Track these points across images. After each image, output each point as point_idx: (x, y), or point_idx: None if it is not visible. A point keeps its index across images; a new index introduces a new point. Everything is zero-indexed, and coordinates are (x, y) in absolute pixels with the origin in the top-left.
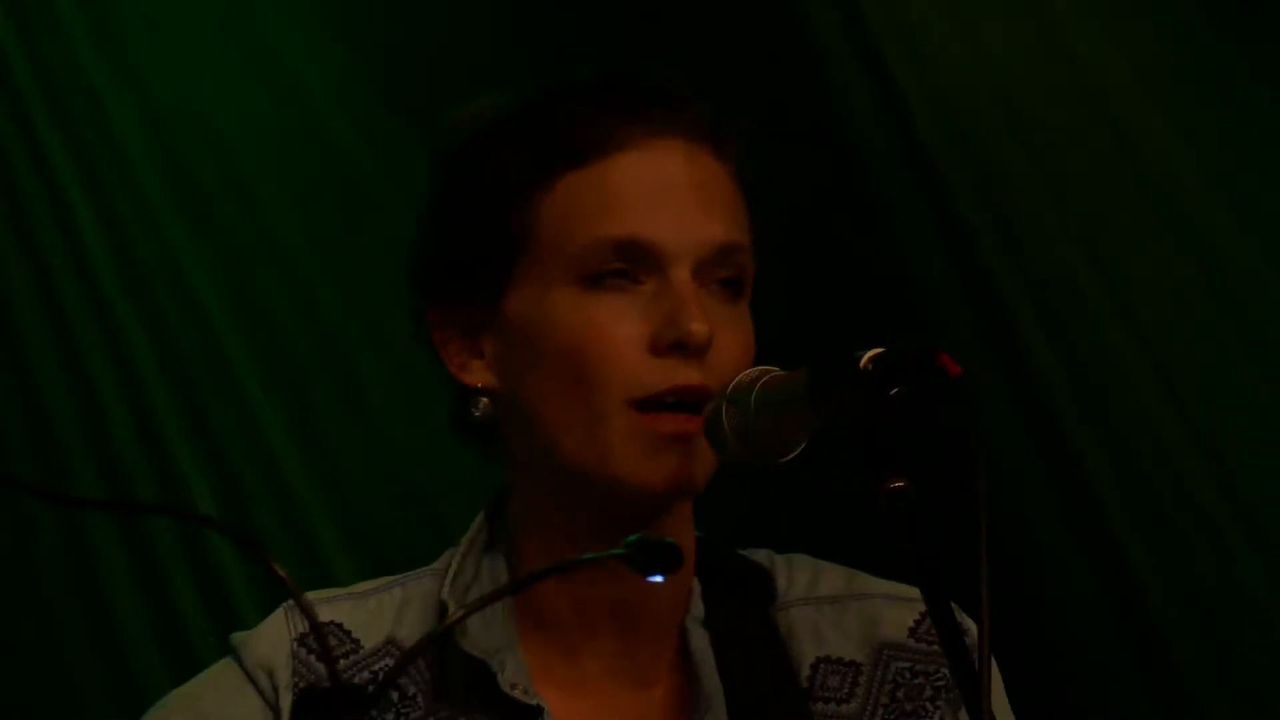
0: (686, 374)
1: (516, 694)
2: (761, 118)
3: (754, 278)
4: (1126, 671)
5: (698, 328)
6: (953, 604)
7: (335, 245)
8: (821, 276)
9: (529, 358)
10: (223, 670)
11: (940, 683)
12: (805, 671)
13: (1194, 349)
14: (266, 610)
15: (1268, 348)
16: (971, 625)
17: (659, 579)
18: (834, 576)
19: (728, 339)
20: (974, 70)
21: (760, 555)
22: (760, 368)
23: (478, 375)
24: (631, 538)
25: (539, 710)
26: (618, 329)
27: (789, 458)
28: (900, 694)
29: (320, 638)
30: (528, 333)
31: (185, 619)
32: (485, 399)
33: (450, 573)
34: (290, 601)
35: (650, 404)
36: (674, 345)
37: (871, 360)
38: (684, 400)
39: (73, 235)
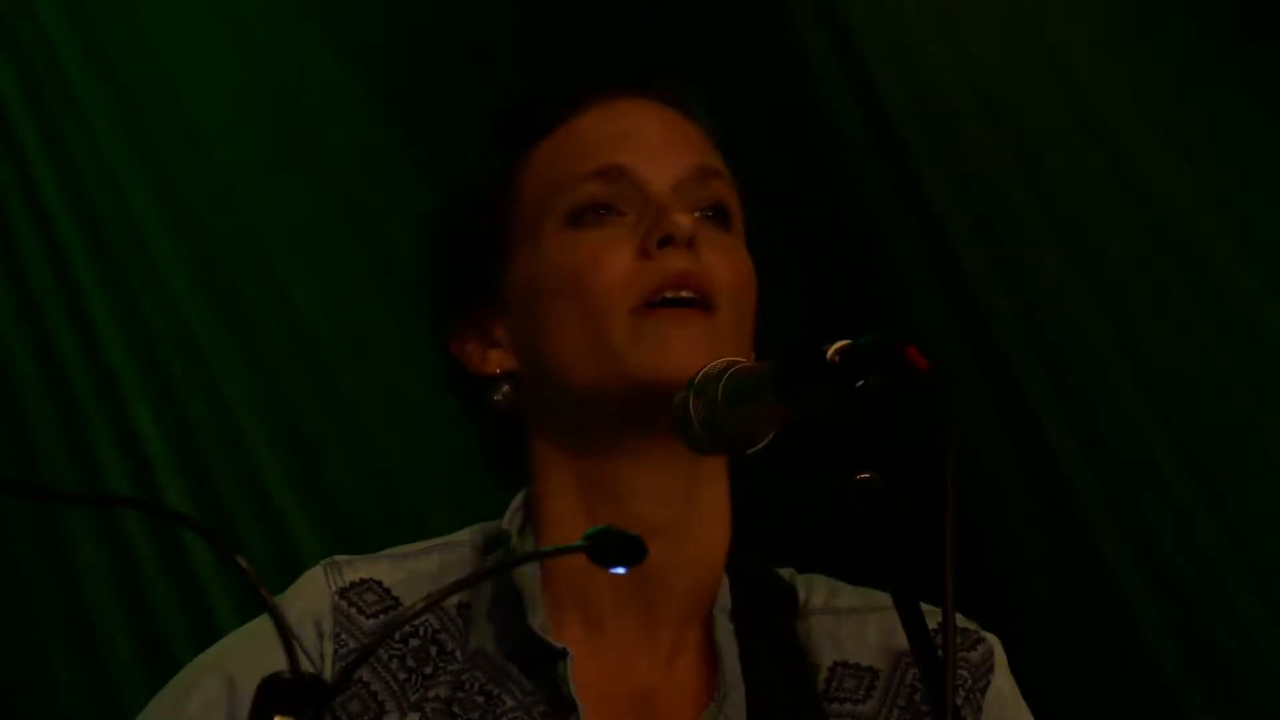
0: (679, 262)
1: (544, 634)
2: (743, 118)
3: (743, 217)
4: (1104, 667)
5: (681, 219)
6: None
7: (311, 238)
8: (799, 272)
9: (534, 309)
10: (258, 626)
11: (959, 685)
12: (823, 674)
13: (1183, 360)
14: (241, 604)
15: (1257, 360)
16: (991, 637)
17: (621, 571)
18: (851, 593)
19: (718, 257)
20: (965, 86)
21: (784, 573)
22: (727, 359)
23: (496, 362)
24: (592, 530)
25: (563, 652)
26: (607, 251)
27: (756, 449)
28: (918, 698)
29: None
30: (528, 288)
31: (159, 613)
32: (506, 384)
33: (509, 513)
34: (330, 559)
35: (650, 304)
36: (662, 242)
37: (838, 352)
38: (682, 294)
39: (48, 229)
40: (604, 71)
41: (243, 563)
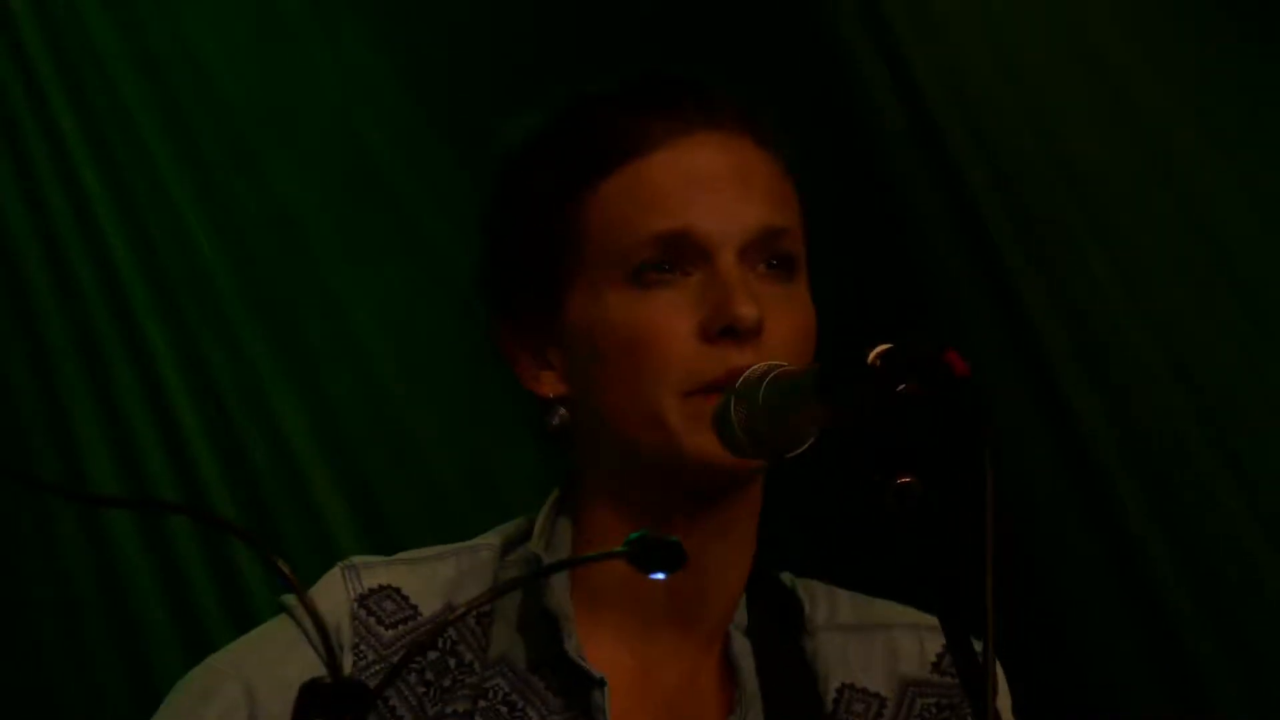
0: (739, 357)
1: (581, 661)
2: (784, 114)
3: (807, 258)
4: (1141, 666)
5: (746, 311)
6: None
7: (357, 237)
8: (841, 273)
9: (590, 361)
10: (275, 629)
11: (966, 714)
12: (831, 695)
13: (1215, 347)
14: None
15: None
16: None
17: (660, 577)
18: (848, 602)
19: (780, 320)
20: (997, 70)
21: (784, 577)
22: (768, 363)
23: (549, 386)
24: (634, 535)
25: (601, 682)
26: (668, 323)
27: (796, 453)
28: None
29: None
30: (586, 337)
31: (204, 615)
32: (563, 409)
33: (537, 530)
34: (347, 561)
35: (706, 391)
36: (724, 331)
37: (879, 356)
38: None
39: (98, 241)
40: (675, 90)
41: (284, 567)
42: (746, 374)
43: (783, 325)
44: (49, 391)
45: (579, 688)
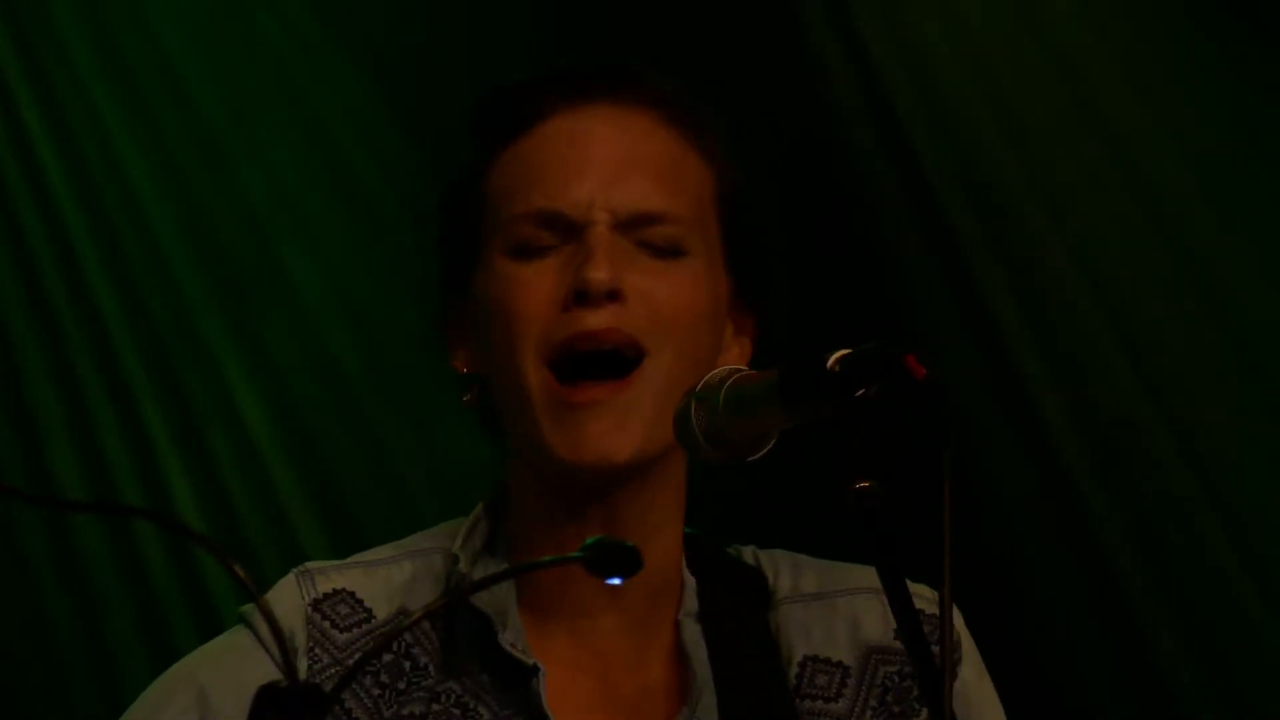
0: (593, 320)
1: (516, 652)
2: (748, 116)
3: (719, 237)
4: (1107, 663)
5: (595, 275)
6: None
7: (319, 229)
8: (806, 278)
9: (482, 332)
10: (233, 638)
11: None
12: (794, 669)
13: (1179, 348)
14: (244, 600)
15: (1249, 345)
16: (959, 626)
17: (617, 582)
18: (813, 570)
19: (653, 288)
20: (963, 68)
21: (746, 553)
22: (729, 367)
23: (461, 361)
24: (590, 540)
25: (535, 669)
26: (532, 292)
27: (756, 457)
28: (889, 698)
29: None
30: (481, 311)
31: (167, 610)
32: (475, 385)
33: (460, 535)
34: (301, 567)
35: (564, 366)
36: (579, 296)
37: (838, 361)
38: (592, 349)
39: (55, 220)
40: (586, 68)
41: (240, 572)
42: (707, 377)
43: (655, 295)
44: (15, 397)
45: (520, 679)
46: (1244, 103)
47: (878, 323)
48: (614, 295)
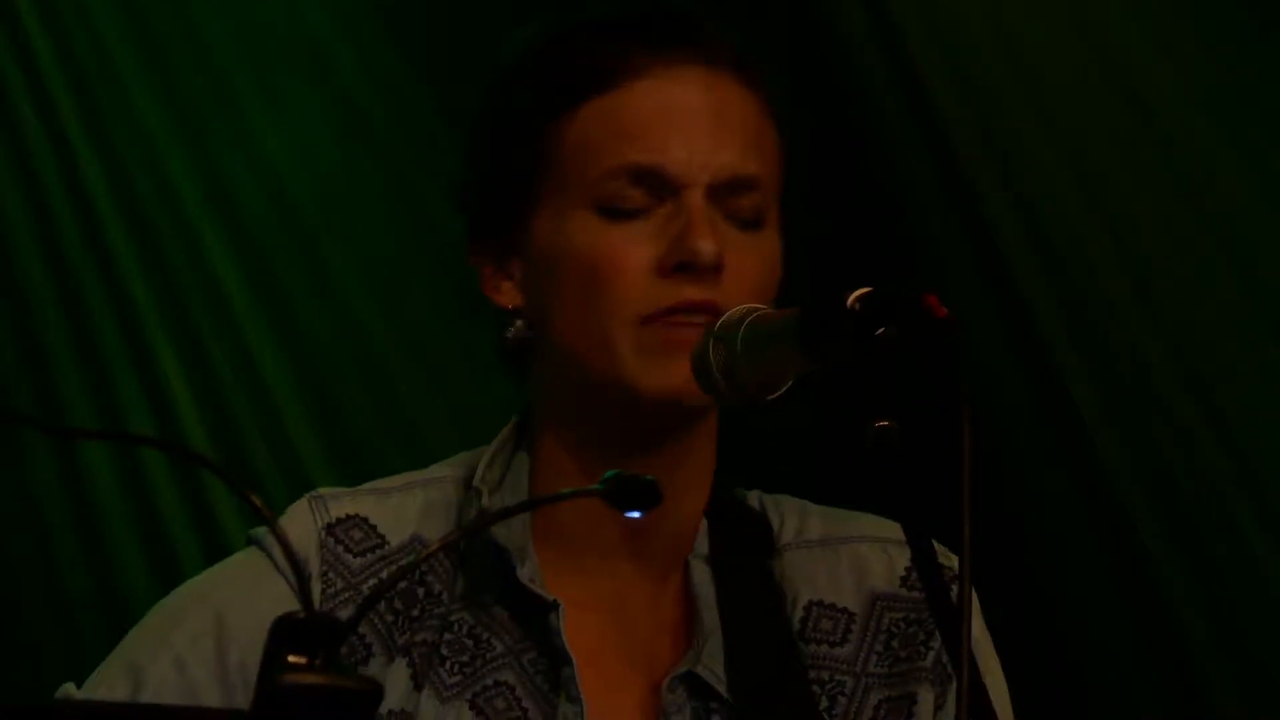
0: (693, 292)
1: (534, 587)
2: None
3: (779, 206)
4: (1118, 611)
5: (704, 245)
6: (934, 542)
7: (335, 178)
8: (832, 239)
9: (549, 280)
10: (246, 560)
11: (933, 629)
12: (799, 614)
13: (1213, 330)
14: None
15: (1273, 303)
16: (954, 559)
17: (636, 515)
18: (819, 517)
19: (743, 263)
20: (1007, 62)
21: (751, 498)
22: (747, 305)
23: (507, 296)
24: (609, 473)
25: (554, 604)
26: (628, 253)
27: (775, 396)
28: (895, 643)
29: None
30: (548, 257)
31: (174, 539)
32: (520, 320)
33: (482, 465)
34: (314, 493)
35: (658, 318)
36: (680, 265)
37: (858, 300)
38: (691, 314)
39: (73, 171)
40: (663, 21)
41: (255, 499)
42: (725, 316)
43: (744, 269)
44: (25, 327)
45: (537, 613)
46: (1275, 63)
47: (894, 271)
48: (718, 268)
